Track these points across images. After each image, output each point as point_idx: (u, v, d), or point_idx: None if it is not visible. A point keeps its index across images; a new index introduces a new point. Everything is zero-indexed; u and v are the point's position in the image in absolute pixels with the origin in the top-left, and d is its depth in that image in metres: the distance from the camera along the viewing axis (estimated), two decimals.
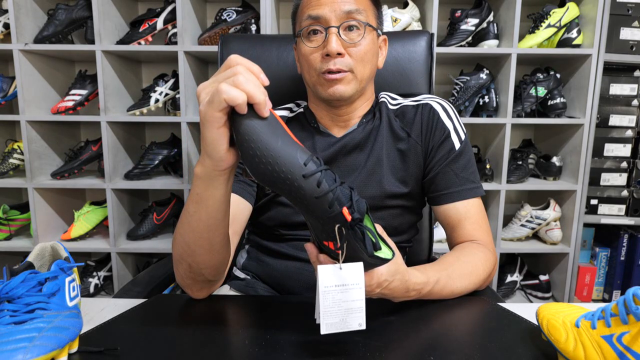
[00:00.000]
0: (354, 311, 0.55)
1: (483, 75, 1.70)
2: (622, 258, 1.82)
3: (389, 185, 0.82)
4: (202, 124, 0.53)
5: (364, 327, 0.55)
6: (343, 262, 0.54)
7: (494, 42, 1.67)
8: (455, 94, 1.73)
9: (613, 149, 1.75)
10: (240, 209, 0.82)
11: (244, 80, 0.50)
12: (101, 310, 0.67)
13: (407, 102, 0.88)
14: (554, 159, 1.79)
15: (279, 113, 0.90)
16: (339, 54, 0.76)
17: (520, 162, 1.79)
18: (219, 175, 0.57)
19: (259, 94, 0.50)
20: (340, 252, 0.53)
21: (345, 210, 0.50)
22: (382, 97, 0.89)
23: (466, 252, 0.78)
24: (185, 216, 0.63)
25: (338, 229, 0.51)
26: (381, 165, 0.83)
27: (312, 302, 0.59)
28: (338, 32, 0.76)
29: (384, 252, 0.56)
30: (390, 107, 0.88)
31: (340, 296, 0.54)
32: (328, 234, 0.53)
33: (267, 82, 0.53)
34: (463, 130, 0.85)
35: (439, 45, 1.66)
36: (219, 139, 0.53)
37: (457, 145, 0.83)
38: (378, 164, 0.83)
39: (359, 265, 0.54)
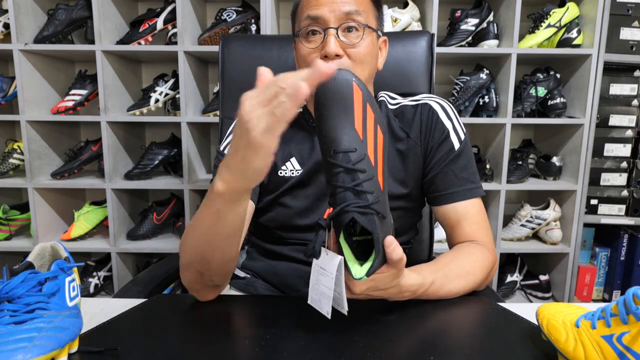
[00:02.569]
0: (325, 297, 0.56)
1: (483, 75, 1.70)
2: (622, 258, 1.82)
3: (389, 187, 0.82)
4: (254, 150, 0.49)
5: (329, 316, 0.56)
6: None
7: (494, 42, 1.67)
8: (455, 94, 1.73)
9: (613, 149, 1.75)
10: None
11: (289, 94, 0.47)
12: (101, 310, 0.67)
13: (407, 102, 0.87)
14: (554, 159, 1.79)
15: None
16: (337, 55, 0.76)
17: (520, 162, 1.79)
18: (247, 192, 0.56)
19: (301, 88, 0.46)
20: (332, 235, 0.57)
21: (328, 211, 0.55)
22: (382, 97, 0.89)
23: (464, 252, 0.78)
24: (199, 228, 0.61)
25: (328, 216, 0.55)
26: None
27: None
28: (337, 33, 0.76)
29: (355, 269, 0.55)
30: (390, 106, 0.87)
31: (320, 278, 0.57)
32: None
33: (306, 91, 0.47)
34: (463, 130, 0.84)
35: (439, 45, 1.66)
36: (268, 165, 0.51)
37: (457, 145, 0.82)
38: None
39: (337, 258, 0.55)
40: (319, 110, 0.56)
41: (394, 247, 0.55)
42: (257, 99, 0.48)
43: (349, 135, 0.54)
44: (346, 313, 0.57)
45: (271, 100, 0.47)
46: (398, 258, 0.56)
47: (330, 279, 0.55)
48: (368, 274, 0.54)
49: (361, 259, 0.57)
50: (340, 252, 0.56)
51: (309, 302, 0.59)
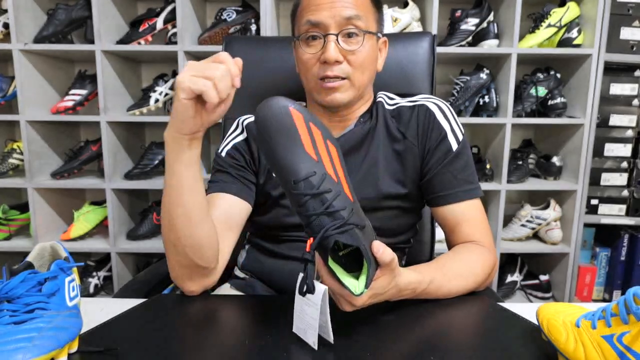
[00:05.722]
0: (310, 327, 0.55)
1: (483, 75, 1.70)
2: (623, 258, 1.82)
3: (386, 186, 0.82)
4: (179, 102, 0.60)
5: (315, 347, 0.54)
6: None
7: (494, 42, 1.67)
8: (456, 94, 1.73)
9: (613, 149, 1.75)
10: (238, 208, 0.81)
11: (218, 81, 0.58)
12: (101, 310, 0.67)
13: (404, 102, 0.86)
14: (554, 159, 1.79)
15: None
16: (337, 61, 0.75)
17: (520, 162, 1.79)
18: (182, 138, 0.62)
19: (212, 96, 0.58)
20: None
21: (309, 241, 0.54)
22: (380, 97, 0.88)
23: (464, 252, 0.78)
24: (164, 190, 0.67)
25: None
26: (377, 166, 0.82)
27: None
28: (337, 39, 0.75)
29: (353, 286, 0.54)
30: (387, 107, 0.87)
31: (304, 308, 0.56)
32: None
33: (237, 85, 0.61)
34: (461, 131, 0.83)
35: (439, 45, 1.65)
36: (186, 106, 0.60)
37: (455, 146, 0.81)
38: (374, 165, 0.82)
39: (323, 289, 0.54)
40: (265, 145, 0.55)
41: (382, 250, 0.55)
42: (204, 64, 0.60)
43: (303, 161, 0.53)
44: (332, 342, 0.55)
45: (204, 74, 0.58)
46: (390, 259, 0.56)
47: (315, 309, 0.54)
48: (366, 286, 0.54)
49: (353, 269, 0.57)
50: (332, 274, 0.55)
51: (293, 330, 0.58)
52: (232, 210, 0.80)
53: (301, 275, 0.57)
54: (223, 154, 0.86)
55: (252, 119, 0.89)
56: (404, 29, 1.67)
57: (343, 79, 0.77)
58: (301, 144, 0.54)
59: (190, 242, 0.67)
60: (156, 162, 1.75)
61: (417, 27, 1.69)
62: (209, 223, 0.70)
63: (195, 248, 0.68)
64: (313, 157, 0.54)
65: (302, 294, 0.55)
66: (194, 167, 0.65)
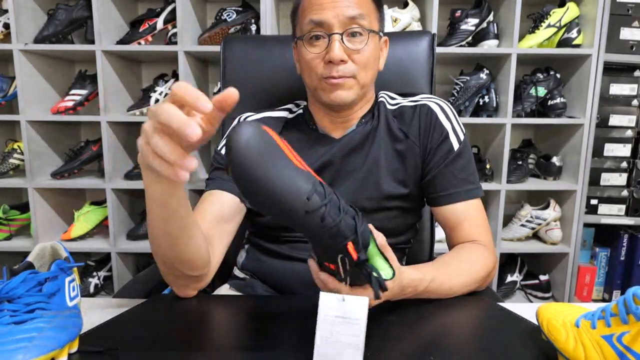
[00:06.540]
0: (352, 347, 0.51)
1: (483, 75, 1.70)
2: (622, 258, 1.82)
3: (387, 186, 0.82)
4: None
5: None
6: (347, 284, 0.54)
7: (494, 42, 1.67)
8: (455, 94, 1.73)
9: (613, 149, 1.75)
10: (235, 205, 0.81)
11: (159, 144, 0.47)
12: (101, 310, 0.67)
13: (406, 102, 0.87)
14: (554, 159, 1.79)
15: (278, 114, 0.90)
16: (342, 60, 0.75)
17: (520, 162, 1.79)
18: (162, 182, 0.56)
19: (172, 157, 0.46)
20: (344, 281, 0.54)
21: (350, 247, 0.49)
22: (381, 97, 0.89)
23: (464, 252, 0.78)
24: (147, 215, 0.64)
25: (341, 259, 0.51)
26: (379, 166, 0.83)
27: (312, 301, 0.58)
28: (341, 38, 0.75)
29: (384, 272, 0.54)
30: (389, 107, 0.87)
31: (340, 328, 0.51)
32: (330, 259, 0.53)
33: (206, 110, 0.46)
34: (462, 131, 0.84)
35: (439, 45, 1.65)
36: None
37: (456, 146, 0.82)
38: (375, 166, 0.83)
39: (364, 300, 0.51)
40: (252, 174, 0.46)
41: (374, 231, 0.56)
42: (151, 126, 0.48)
43: (300, 177, 0.48)
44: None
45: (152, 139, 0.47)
46: (384, 240, 0.57)
47: (356, 326, 0.50)
48: (391, 266, 0.54)
49: None
50: (357, 277, 0.53)
51: None
52: (228, 208, 0.80)
53: (333, 297, 0.53)
54: (222, 151, 0.86)
55: (254, 116, 0.88)
56: (404, 29, 1.67)
57: (348, 77, 0.77)
58: (289, 159, 0.49)
59: (179, 259, 0.66)
60: None
61: (417, 27, 1.69)
62: (197, 239, 0.67)
63: (184, 263, 0.67)
64: (302, 167, 0.50)
65: (378, 297, 0.51)
66: (176, 196, 0.59)
